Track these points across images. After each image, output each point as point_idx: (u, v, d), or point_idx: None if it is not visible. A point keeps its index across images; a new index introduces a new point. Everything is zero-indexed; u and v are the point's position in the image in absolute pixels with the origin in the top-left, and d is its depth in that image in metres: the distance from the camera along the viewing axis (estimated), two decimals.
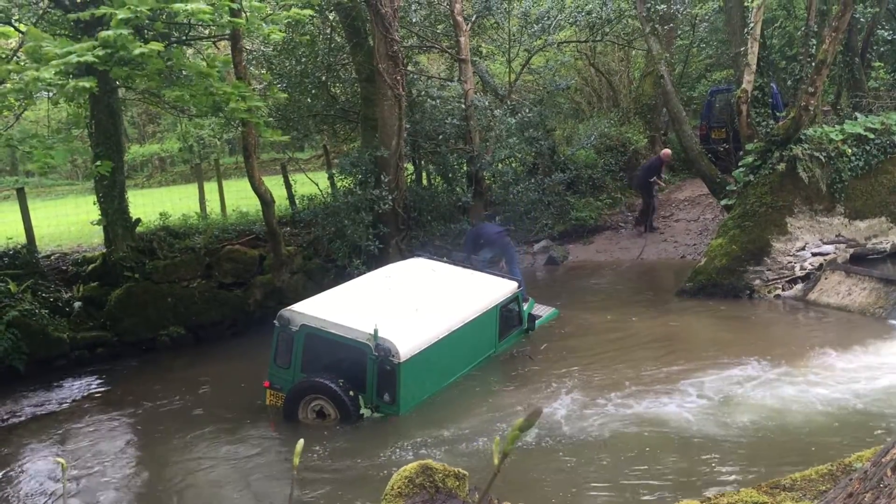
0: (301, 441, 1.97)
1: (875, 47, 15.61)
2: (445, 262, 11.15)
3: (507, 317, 10.35)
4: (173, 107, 13.28)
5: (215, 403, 9.63)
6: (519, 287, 10.79)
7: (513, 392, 9.11)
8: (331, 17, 15.80)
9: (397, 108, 13.48)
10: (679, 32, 21.35)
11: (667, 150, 17.69)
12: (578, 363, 9.86)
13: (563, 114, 20.43)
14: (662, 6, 16.68)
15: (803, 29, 14.00)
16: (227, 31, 11.42)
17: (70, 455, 8.48)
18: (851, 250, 12.65)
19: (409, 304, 9.43)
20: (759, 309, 11.98)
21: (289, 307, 8.93)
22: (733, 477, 6.43)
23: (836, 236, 12.61)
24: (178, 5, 8.60)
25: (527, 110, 16.90)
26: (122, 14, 8.24)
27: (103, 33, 8.27)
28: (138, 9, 8.36)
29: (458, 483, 2.85)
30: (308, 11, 10.76)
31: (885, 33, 15.89)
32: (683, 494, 4.28)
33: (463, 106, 14.93)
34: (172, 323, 12.38)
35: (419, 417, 8.33)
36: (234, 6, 9.55)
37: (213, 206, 15.25)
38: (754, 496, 3.46)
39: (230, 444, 8.37)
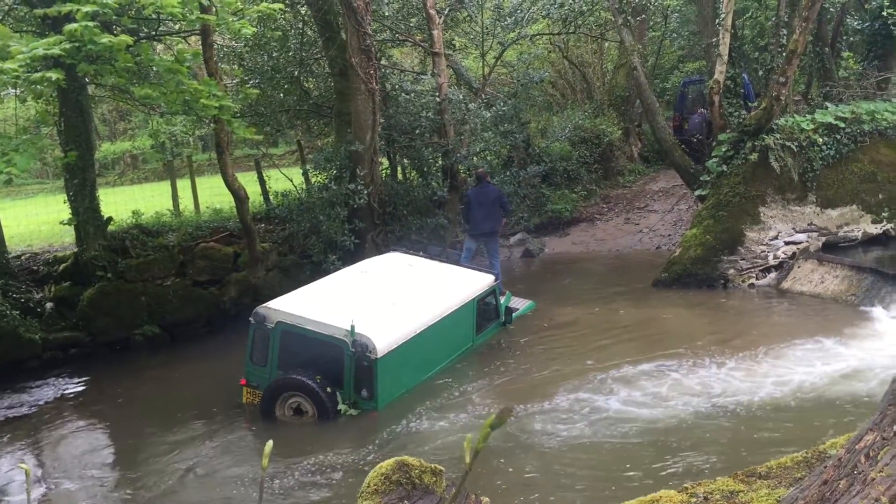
0: (270, 442, 1.94)
1: (844, 37, 15.75)
2: (422, 256, 11.13)
3: (484, 310, 10.35)
4: (143, 104, 13.11)
5: (191, 403, 9.54)
6: (496, 280, 10.80)
7: (490, 386, 9.11)
8: (302, 12, 15.69)
9: (371, 103, 13.41)
10: (651, 24, 21.48)
11: None
12: (555, 356, 9.89)
13: (537, 106, 20.45)
14: None
15: (774, 19, 14.09)
16: (197, 27, 11.28)
17: (44, 458, 8.38)
18: (824, 239, 12.78)
19: (385, 299, 9.41)
20: (733, 298, 12.07)
21: (264, 304, 8.87)
22: (710, 466, 6.47)
23: (809, 225, 12.73)
24: None
25: (501, 103, 16.90)
26: (87, 7, 8.12)
27: (69, 26, 8.15)
28: (105, 2, 8.24)
29: (434, 479, 2.84)
30: (279, 5, 10.65)
31: (855, 23, 16.04)
32: (662, 485, 4.30)
33: (437, 100, 14.88)
34: (146, 322, 12.25)
35: (397, 413, 8.31)
36: (204, 2, 9.44)
37: (186, 203, 15.12)
38: (730, 484, 3.47)
39: (207, 443, 8.30)
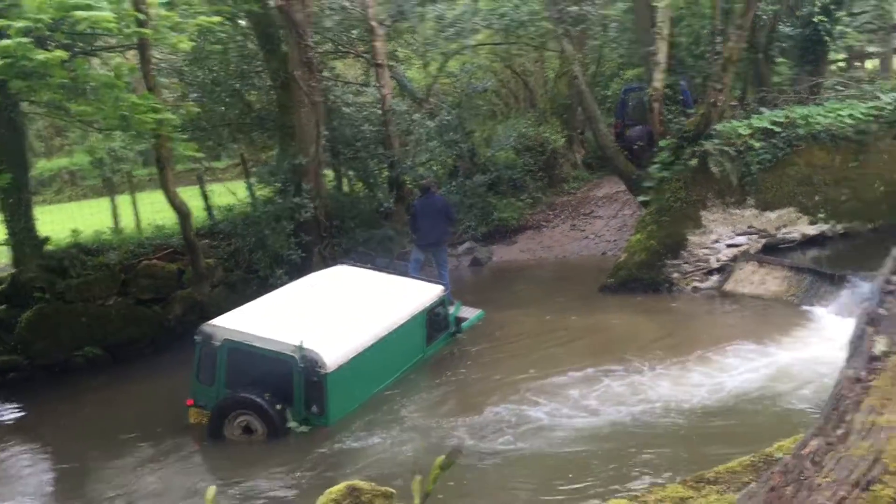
0: (212, 489, 1.88)
1: (777, 43, 16.18)
2: (370, 268, 11.07)
3: (434, 321, 10.33)
4: (80, 120, 12.81)
5: (135, 424, 9.30)
6: (445, 290, 10.80)
7: (441, 399, 9.08)
8: (242, 24, 15.51)
9: (314, 115, 13.32)
10: (591, 33, 21.73)
11: None
12: (504, 365, 9.89)
13: (481, 116, 20.57)
14: (574, 8, 16.94)
15: (709, 27, 14.42)
16: (135, 41, 11.07)
17: None
18: (763, 241, 13.05)
19: (334, 312, 9.33)
20: (678, 302, 12.26)
21: (210, 322, 8.72)
22: (659, 471, 6.53)
23: (748, 228, 13.00)
24: (79, 13, 8.31)
25: (445, 113, 16.95)
26: (20, 23, 7.92)
27: (2, 42, 7.93)
28: (38, 17, 8.04)
29: (386, 502, 2.81)
30: (217, 19, 10.52)
31: (787, 30, 16.49)
32: (612, 494, 4.33)
33: (381, 111, 14.85)
34: (88, 343, 11.93)
35: (347, 429, 8.22)
36: (141, 16, 9.27)
37: (127, 220, 14.80)
38: (680, 491, 3.51)
39: (152, 466, 8.11)
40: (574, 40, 17.21)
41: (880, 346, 2.81)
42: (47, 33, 8.85)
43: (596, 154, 20.59)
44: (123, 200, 15.86)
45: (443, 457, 1.39)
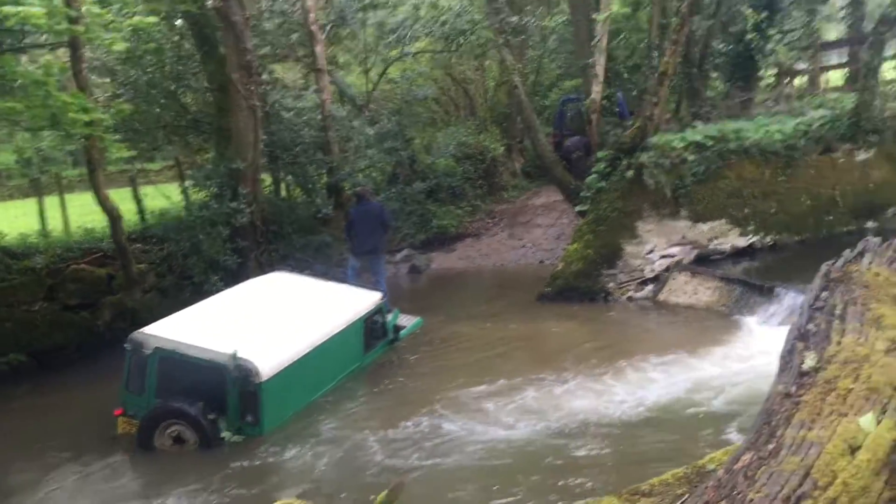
0: None
1: (711, 59, 16.58)
2: (307, 275, 10.95)
3: (372, 329, 10.27)
4: (6, 118, 12.38)
5: (62, 435, 8.99)
6: (383, 298, 10.75)
7: (379, 407, 9.03)
8: (178, 25, 15.21)
9: (252, 119, 13.13)
10: (531, 43, 21.96)
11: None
12: (441, 376, 9.88)
13: (421, 123, 20.56)
14: (514, 18, 17.08)
15: (646, 42, 14.71)
16: (66, 39, 10.75)
17: None
18: (696, 252, 13.34)
19: (269, 320, 9.19)
20: (613, 311, 12.44)
21: (141, 329, 8.49)
22: (593, 484, 6.58)
23: (682, 238, 13.26)
24: (7, 8, 8.04)
25: (385, 120, 16.91)
26: None
27: None
28: None
29: None
30: (153, 19, 10.28)
31: (720, 46, 16.92)
32: None
33: (321, 116, 14.73)
34: (12, 349, 11.48)
35: (281, 439, 8.09)
36: (72, 13, 9.01)
37: (55, 222, 14.30)
38: (615, 503, 3.53)
39: (80, 478, 7.85)
40: (514, 50, 17.36)
41: (810, 361, 2.88)
42: None
43: (535, 163, 20.79)
44: (51, 202, 15.34)
45: (384, 492, 1.36)
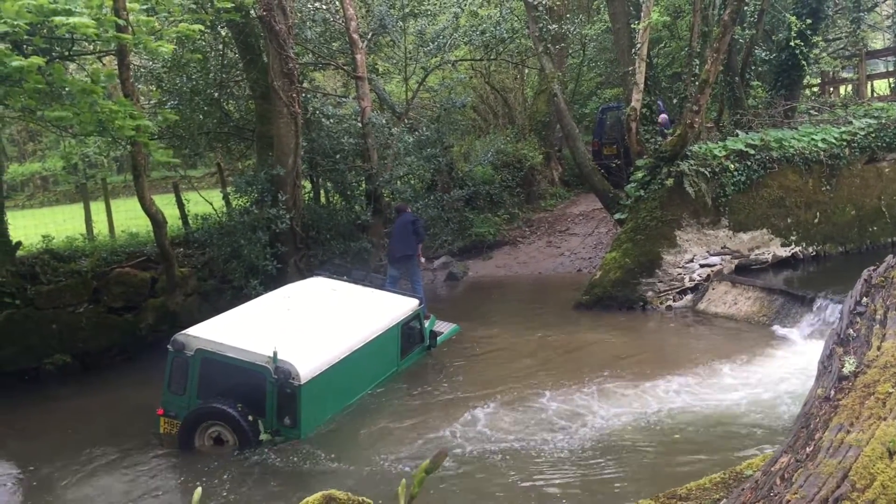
0: (199, 490, 1.87)
1: (753, 67, 16.41)
2: (345, 280, 11.05)
3: (408, 334, 10.33)
4: (55, 125, 12.69)
5: (106, 434, 9.18)
6: (420, 304, 10.81)
7: (415, 412, 9.06)
8: (223, 33, 15.47)
9: (293, 126, 13.29)
10: (570, 52, 21.95)
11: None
12: (476, 382, 9.89)
13: (460, 131, 20.65)
14: (554, 26, 17.10)
15: (687, 50, 14.60)
16: (113, 46, 11.00)
17: None
18: (736, 261, 13.21)
19: (308, 324, 9.29)
20: (651, 320, 12.35)
21: (183, 331, 8.63)
22: (632, 489, 6.56)
23: (722, 248, 13.15)
24: (59, 19, 8.25)
25: (424, 128, 16.99)
26: None
27: None
28: (16, 23, 7.97)
29: None
30: (198, 27, 10.48)
31: (763, 54, 16.74)
32: None
33: (360, 124, 14.86)
34: (58, 350, 11.78)
35: (321, 441, 8.18)
36: (120, 21, 9.23)
37: (100, 227, 14.63)
38: None
39: (123, 477, 8.00)
40: (554, 58, 17.37)
41: (849, 366, 2.86)
42: (25, 38, 8.77)
43: (573, 172, 20.74)
44: (97, 207, 15.69)
45: (428, 461, 1.40)
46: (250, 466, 7.75)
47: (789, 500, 2.29)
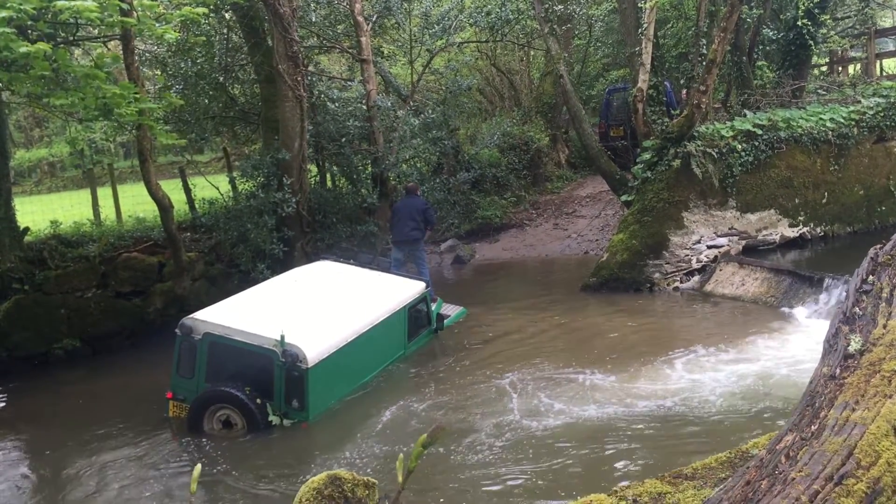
0: (198, 467, 1.89)
1: (761, 46, 16.29)
2: (352, 264, 11.06)
3: (415, 317, 10.35)
4: (61, 111, 12.69)
5: (115, 417, 9.25)
6: (427, 287, 10.82)
7: (422, 395, 9.09)
8: (227, 17, 15.43)
9: (299, 110, 13.27)
10: (576, 33, 21.82)
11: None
12: (484, 364, 9.92)
13: (465, 113, 20.59)
14: (560, 7, 16.99)
15: (694, 29, 14.50)
16: (117, 31, 10.98)
17: None
18: (744, 242, 13.17)
19: (315, 307, 9.32)
20: (658, 302, 12.34)
21: (191, 315, 8.67)
22: (638, 467, 6.58)
23: (729, 229, 13.11)
24: (62, 3, 8.22)
25: (430, 111, 16.95)
26: (3, 13, 7.82)
27: None
28: (21, 7, 7.95)
29: (367, 492, 2.82)
30: (203, 10, 10.43)
31: (770, 33, 16.60)
32: (593, 488, 4.35)
33: (365, 107, 14.83)
34: (66, 335, 11.85)
35: (328, 423, 8.23)
36: (124, 6, 9.20)
37: (107, 212, 14.66)
38: (658, 486, 3.53)
39: (132, 460, 8.06)
40: (560, 39, 17.26)
41: (855, 344, 2.85)
42: (29, 23, 8.75)
43: (580, 154, 20.69)
44: (104, 192, 15.73)
45: (425, 435, 1.40)
46: (256, 449, 7.80)
47: (794, 478, 2.30)
